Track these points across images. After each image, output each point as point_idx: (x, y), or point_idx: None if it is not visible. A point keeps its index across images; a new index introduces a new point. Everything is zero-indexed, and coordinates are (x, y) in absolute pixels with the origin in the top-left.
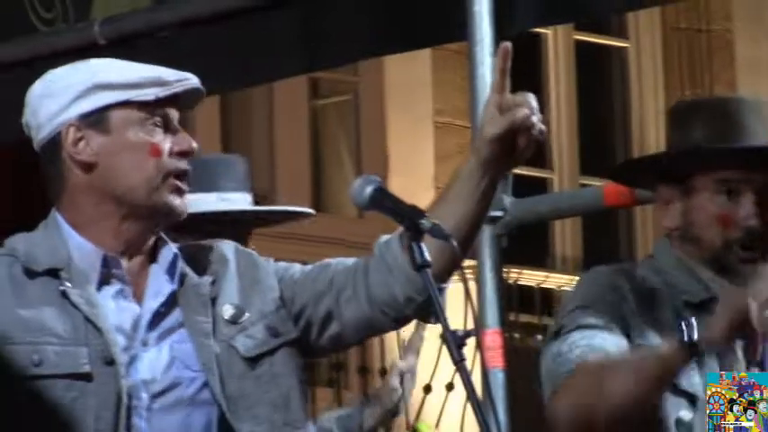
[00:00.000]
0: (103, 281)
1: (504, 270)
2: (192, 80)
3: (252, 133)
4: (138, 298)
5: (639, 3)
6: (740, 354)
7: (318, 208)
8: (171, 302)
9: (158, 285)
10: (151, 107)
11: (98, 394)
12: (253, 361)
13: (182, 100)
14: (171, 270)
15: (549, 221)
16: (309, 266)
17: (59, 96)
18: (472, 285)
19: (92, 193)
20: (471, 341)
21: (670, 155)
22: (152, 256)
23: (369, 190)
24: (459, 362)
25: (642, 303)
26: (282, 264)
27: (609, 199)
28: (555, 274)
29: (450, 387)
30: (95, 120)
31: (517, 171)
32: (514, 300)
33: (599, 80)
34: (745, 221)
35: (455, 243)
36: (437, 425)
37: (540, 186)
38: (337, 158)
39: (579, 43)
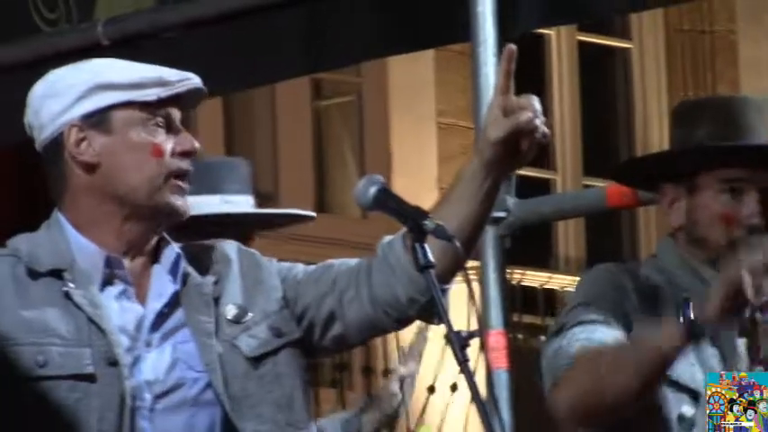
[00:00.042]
0: (106, 281)
1: (508, 271)
2: (193, 80)
3: (255, 134)
4: (141, 298)
5: (643, 4)
6: (744, 352)
7: (322, 208)
8: (174, 303)
9: (161, 286)
10: (153, 107)
11: (102, 395)
12: (256, 361)
13: (184, 100)
14: (174, 270)
15: (552, 222)
16: (312, 267)
17: (61, 97)
18: (475, 286)
19: (94, 194)
20: (475, 342)
21: (673, 153)
22: (154, 257)
23: (372, 190)
24: (462, 362)
25: (644, 301)
26: (285, 264)
27: (612, 200)
28: (558, 275)
29: (453, 388)
30: (98, 120)
31: (520, 172)
32: (518, 300)
33: (602, 81)
34: (748, 220)
35: (458, 244)
36: (441, 426)
37: (543, 187)
38: (340, 159)
39: (582, 44)
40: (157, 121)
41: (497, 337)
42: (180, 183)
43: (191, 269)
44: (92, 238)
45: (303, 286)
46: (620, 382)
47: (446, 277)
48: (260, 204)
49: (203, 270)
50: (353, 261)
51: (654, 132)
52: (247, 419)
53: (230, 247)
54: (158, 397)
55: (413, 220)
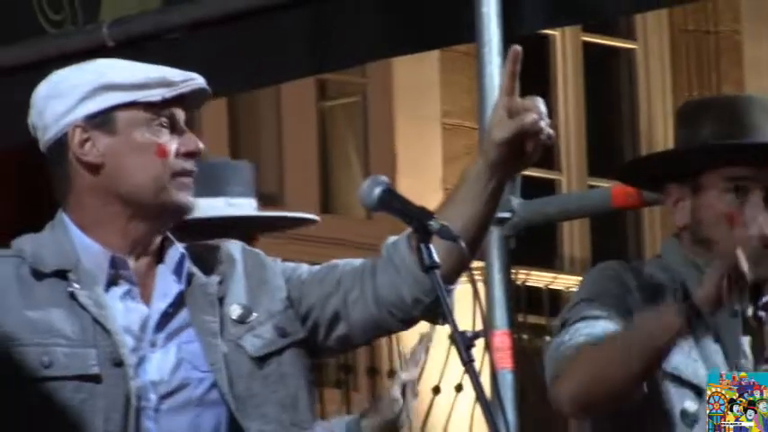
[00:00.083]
0: (111, 282)
1: (513, 271)
2: (197, 80)
3: (260, 135)
4: (146, 299)
5: (647, 4)
6: (748, 351)
7: (326, 209)
8: (178, 303)
9: (166, 286)
10: (157, 108)
11: (107, 396)
12: (261, 360)
13: (188, 100)
14: (178, 270)
15: (557, 223)
16: (317, 267)
17: (65, 97)
18: (480, 287)
19: (98, 194)
20: (480, 342)
21: (678, 152)
22: (159, 257)
23: (377, 191)
24: (467, 363)
25: (648, 298)
26: (290, 264)
27: (617, 200)
28: (563, 276)
29: (459, 388)
30: (102, 121)
31: (525, 172)
32: (523, 301)
33: (607, 82)
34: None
35: (463, 244)
36: (446, 426)
37: (548, 188)
38: (345, 160)
39: (587, 45)
40: (161, 122)
41: (502, 338)
42: (184, 179)
43: (195, 269)
44: (96, 239)
45: (308, 286)
46: (620, 370)
47: (451, 278)
48: (265, 205)
49: (208, 270)
50: (358, 261)
51: (659, 133)
52: (252, 419)
53: (234, 246)
54: (163, 397)
55: (418, 220)
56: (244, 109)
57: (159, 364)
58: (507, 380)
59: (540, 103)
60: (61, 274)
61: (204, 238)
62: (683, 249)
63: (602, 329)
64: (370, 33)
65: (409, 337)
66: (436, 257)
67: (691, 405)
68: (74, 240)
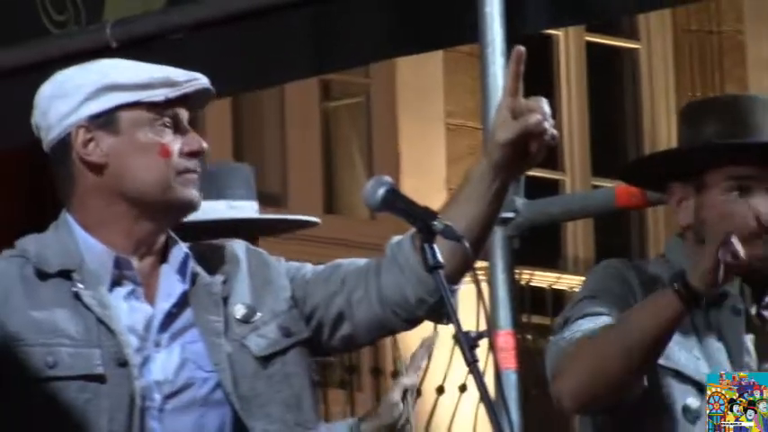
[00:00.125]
0: (115, 282)
1: (516, 271)
2: (201, 80)
3: (263, 135)
4: (150, 299)
5: (650, 4)
6: (752, 349)
7: (330, 209)
8: (182, 303)
9: (170, 286)
10: (161, 108)
11: (111, 396)
12: (265, 360)
13: (192, 100)
14: (182, 270)
15: (560, 223)
16: (321, 267)
17: (69, 97)
18: (484, 287)
19: (102, 195)
20: (484, 342)
21: (682, 151)
22: (163, 256)
23: (381, 191)
24: (471, 363)
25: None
26: (294, 263)
27: (620, 200)
28: (567, 276)
29: (463, 388)
30: (105, 121)
31: (529, 173)
32: (527, 301)
33: (610, 82)
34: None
35: (467, 244)
36: (450, 426)
37: (551, 188)
38: (349, 160)
39: (590, 45)
40: (165, 122)
41: (506, 338)
42: (189, 176)
43: (199, 269)
44: (100, 239)
45: (312, 286)
46: (620, 363)
47: (455, 278)
48: (268, 205)
49: (212, 270)
50: (362, 261)
51: (662, 133)
52: (257, 419)
53: (239, 246)
54: (168, 397)
55: (422, 220)
56: (247, 109)
57: (163, 364)
58: (511, 380)
59: (544, 104)
60: (65, 275)
61: (204, 240)
62: (686, 249)
63: (602, 326)
64: (374, 34)
65: (411, 339)
66: (440, 257)
67: (693, 401)
68: (78, 240)
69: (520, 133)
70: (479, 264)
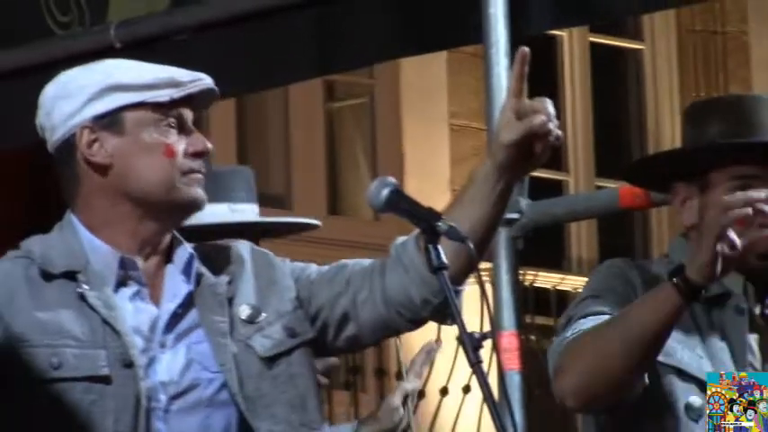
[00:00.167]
0: (120, 283)
1: (520, 272)
2: (205, 80)
3: (267, 136)
4: (155, 299)
5: (655, 4)
6: (756, 348)
7: (334, 210)
8: (188, 303)
9: (175, 286)
10: (165, 108)
11: (117, 397)
12: (270, 361)
13: (196, 100)
14: (187, 270)
15: (564, 223)
16: (326, 267)
17: (73, 98)
18: (488, 287)
19: (107, 195)
20: (488, 343)
21: (686, 151)
22: (167, 257)
23: (385, 192)
24: (475, 364)
25: None
26: (299, 264)
27: (624, 201)
28: (571, 276)
29: (466, 389)
30: (109, 121)
31: (533, 173)
32: (530, 302)
33: (614, 82)
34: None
35: (471, 245)
36: (454, 427)
37: (555, 188)
38: (353, 161)
39: (594, 45)
40: (169, 122)
41: (510, 339)
42: (194, 176)
43: (204, 269)
44: (105, 239)
45: (317, 286)
46: (620, 359)
47: (459, 279)
48: (272, 206)
49: (217, 270)
50: (367, 261)
51: (666, 133)
52: (262, 419)
53: (243, 247)
54: (173, 398)
55: (426, 221)
56: (251, 110)
57: (169, 365)
58: (515, 381)
59: (549, 105)
60: (70, 275)
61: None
62: (690, 248)
63: (602, 323)
64: (378, 34)
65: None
66: (444, 258)
67: (696, 399)
68: (82, 241)
69: (524, 134)
70: (483, 264)
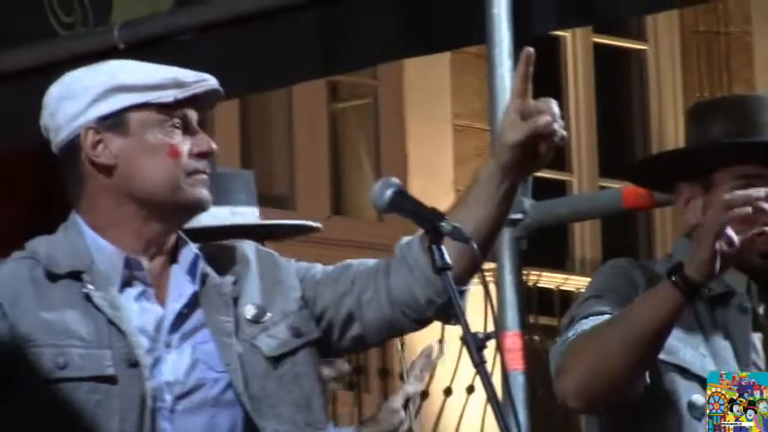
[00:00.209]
0: (126, 283)
1: (524, 272)
2: (210, 81)
3: (271, 137)
4: (161, 299)
5: (658, 5)
6: (760, 348)
7: (338, 211)
8: (193, 303)
9: (180, 286)
10: (170, 108)
11: (122, 397)
12: (275, 361)
13: (200, 101)
14: (192, 270)
15: (568, 224)
16: (331, 267)
17: (78, 99)
18: (492, 288)
19: (112, 196)
20: (491, 344)
21: (689, 150)
22: (173, 257)
23: (389, 193)
24: (479, 364)
25: None
26: (304, 264)
27: (628, 201)
28: (574, 277)
29: (470, 390)
30: (114, 122)
31: (536, 174)
32: (534, 302)
33: (618, 83)
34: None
35: (475, 246)
36: (457, 427)
37: (559, 189)
38: (357, 161)
39: (598, 46)
40: (174, 123)
41: (513, 339)
42: (199, 176)
43: (209, 269)
44: (110, 240)
45: (322, 286)
46: (621, 359)
47: (463, 279)
48: (276, 207)
49: (222, 270)
50: (372, 261)
51: (670, 133)
52: (267, 419)
53: (248, 247)
54: (179, 398)
55: (429, 222)
56: (255, 111)
57: (174, 365)
58: (519, 381)
59: (554, 106)
60: (75, 276)
61: None
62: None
63: (603, 322)
64: (382, 35)
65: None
66: (448, 259)
67: (699, 398)
68: (87, 242)
69: (529, 135)
70: (487, 265)
